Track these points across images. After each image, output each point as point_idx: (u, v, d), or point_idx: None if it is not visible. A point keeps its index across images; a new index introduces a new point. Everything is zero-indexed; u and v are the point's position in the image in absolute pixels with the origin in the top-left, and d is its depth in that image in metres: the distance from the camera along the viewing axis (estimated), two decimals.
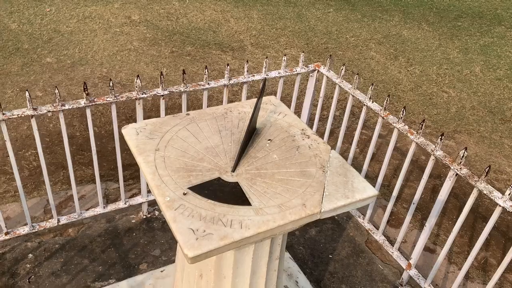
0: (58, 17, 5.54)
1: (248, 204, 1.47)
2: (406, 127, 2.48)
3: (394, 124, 2.53)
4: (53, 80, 4.31)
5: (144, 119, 2.07)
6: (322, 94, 3.01)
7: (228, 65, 2.64)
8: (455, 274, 2.84)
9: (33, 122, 2.33)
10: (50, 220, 2.69)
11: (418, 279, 2.61)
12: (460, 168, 2.20)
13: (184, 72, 2.51)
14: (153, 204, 3.04)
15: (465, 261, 2.39)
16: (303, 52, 2.84)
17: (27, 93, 2.22)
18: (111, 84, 2.37)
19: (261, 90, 1.77)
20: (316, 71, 2.97)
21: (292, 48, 5.46)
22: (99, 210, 2.81)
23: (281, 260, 1.80)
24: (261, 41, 5.52)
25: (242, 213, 1.43)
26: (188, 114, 1.87)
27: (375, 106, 2.65)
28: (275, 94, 4.28)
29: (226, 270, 1.64)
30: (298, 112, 3.94)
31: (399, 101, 4.62)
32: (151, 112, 3.98)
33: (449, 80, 5.11)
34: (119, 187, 3.16)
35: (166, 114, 3.86)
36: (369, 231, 2.97)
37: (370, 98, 2.67)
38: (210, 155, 1.67)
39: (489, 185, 2.12)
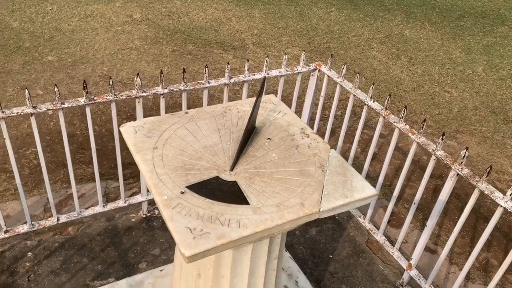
0: (60, 15, 5.54)
1: (246, 203, 1.46)
2: (407, 126, 2.47)
3: (395, 124, 2.51)
4: (54, 78, 4.31)
5: (144, 118, 2.06)
6: (323, 93, 2.99)
7: (228, 63, 2.63)
8: (456, 275, 2.83)
9: (33, 120, 2.32)
10: (49, 219, 2.69)
11: (418, 279, 2.60)
12: (461, 168, 2.19)
13: (184, 71, 2.50)
14: (153, 203, 3.03)
15: (466, 261, 2.37)
16: (304, 51, 2.83)
17: (26, 91, 2.21)
18: (110, 82, 2.37)
19: (260, 89, 1.76)
20: (317, 70, 2.95)
21: (294, 47, 5.45)
22: (98, 208, 2.80)
23: (280, 260, 1.79)
24: (262, 40, 5.51)
25: (240, 212, 1.42)
26: (187, 113, 1.86)
27: (376, 106, 2.63)
28: (276, 94, 4.26)
29: (224, 269, 1.63)
30: (299, 112, 3.93)
31: (401, 100, 4.60)
32: (152, 111, 3.98)
33: (451, 80, 5.09)
34: (119, 186, 3.15)
35: (167, 113, 3.85)
36: (370, 231, 2.95)
37: (371, 97, 2.65)
38: (208, 153, 1.66)
39: (490, 185, 2.11)
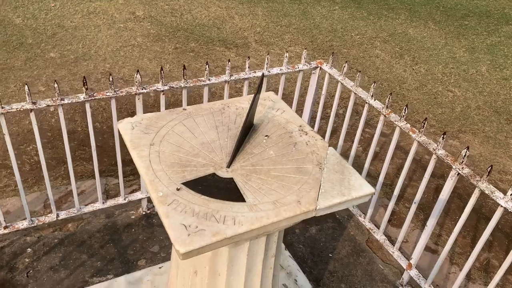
0: (63, 12, 5.55)
1: (243, 200, 1.45)
2: (408, 125, 2.45)
3: (396, 123, 2.50)
4: (56, 75, 4.31)
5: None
6: (324, 91, 2.98)
7: (229, 61, 2.62)
8: (456, 275, 2.81)
9: (32, 116, 2.32)
10: (49, 215, 2.69)
11: (418, 279, 2.58)
12: (462, 168, 2.17)
13: (184, 68, 2.50)
14: None
15: (467, 261, 2.35)
16: (305, 49, 2.82)
17: (26, 87, 2.21)
18: (111, 78, 2.36)
19: (258, 86, 1.74)
20: (319, 68, 2.94)
21: (296, 45, 5.43)
22: (98, 205, 2.80)
23: (277, 258, 1.78)
24: (265, 38, 5.50)
25: (235, 209, 1.41)
26: (185, 109, 1.85)
27: (377, 104, 2.62)
28: (277, 92, 4.25)
29: (220, 267, 1.62)
30: (300, 110, 3.91)
31: (403, 100, 4.57)
32: (153, 108, 3.97)
33: (455, 80, 5.06)
34: (119, 183, 3.14)
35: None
36: (370, 230, 2.94)
37: (372, 96, 2.64)
38: (205, 150, 1.65)
39: (491, 185, 2.09)
